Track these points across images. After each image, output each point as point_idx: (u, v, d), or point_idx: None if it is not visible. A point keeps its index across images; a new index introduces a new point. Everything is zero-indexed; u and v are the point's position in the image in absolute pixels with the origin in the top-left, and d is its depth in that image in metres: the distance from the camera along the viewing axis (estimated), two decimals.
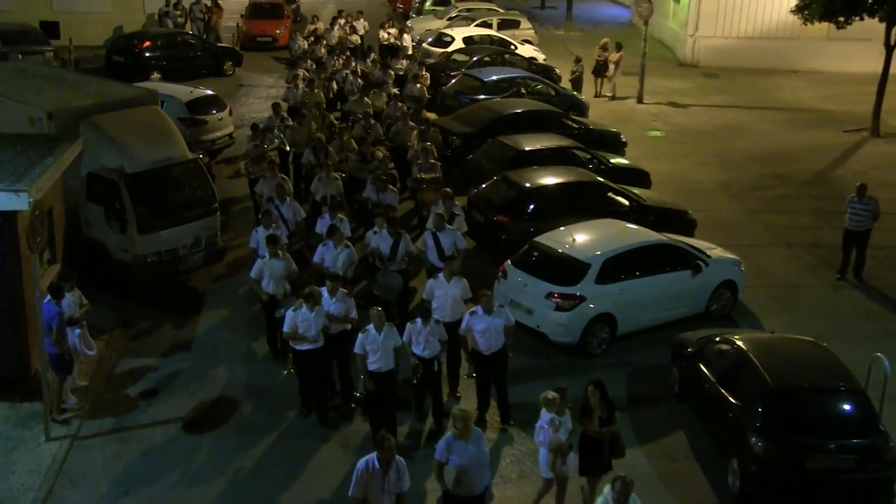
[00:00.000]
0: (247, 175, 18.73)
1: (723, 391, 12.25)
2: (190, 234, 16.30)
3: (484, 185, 18.71)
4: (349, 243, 14.62)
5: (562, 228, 15.90)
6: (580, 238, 15.41)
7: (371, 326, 11.92)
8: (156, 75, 26.87)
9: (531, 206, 17.66)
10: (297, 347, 12.56)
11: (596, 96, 30.59)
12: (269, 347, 14.50)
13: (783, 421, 11.36)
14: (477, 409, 12.71)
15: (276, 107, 21.15)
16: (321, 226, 15.44)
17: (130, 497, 11.31)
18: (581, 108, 26.44)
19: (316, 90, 23.20)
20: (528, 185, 17.94)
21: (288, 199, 16.01)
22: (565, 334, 14.51)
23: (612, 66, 30.74)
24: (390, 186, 17.00)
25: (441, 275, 13.42)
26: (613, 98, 30.87)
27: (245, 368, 14.21)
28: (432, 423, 12.77)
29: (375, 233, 15.04)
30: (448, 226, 15.12)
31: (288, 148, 19.75)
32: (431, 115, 24.49)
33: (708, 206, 21.14)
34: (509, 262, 15.48)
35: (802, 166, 24.72)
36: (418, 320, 12.35)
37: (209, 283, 16.84)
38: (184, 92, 22.92)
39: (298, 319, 12.33)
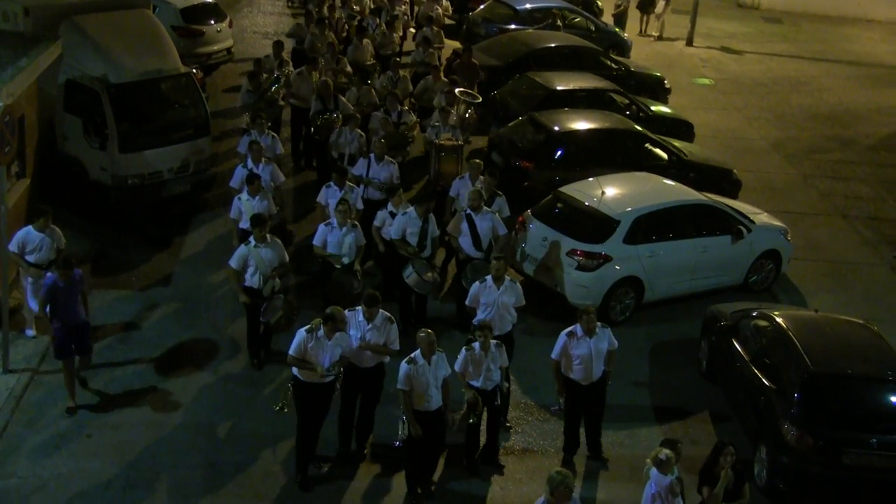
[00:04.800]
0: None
1: (756, 372, 12.19)
2: (177, 156, 16.24)
3: (508, 126, 18.55)
4: (357, 223, 13.36)
5: (591, 179, 15.79)
6: (610, 191, 15.26)
7: (417, 354, 10.58)
8: None
9: (559, 153, 17.50)
10: (301, 377, 10.84)
11: (640, 35, 30.37)
12: (250, 352, 13.04)
13: (821, 410, 11.30)
14: (563, 452, 11.87)
15: (277, 46, 19.45)
16: (326, 196, 14.26)
17: (93, 440, 11.39)
18: (622, 47, 26.24)
19: (328, 30, 21.10)
20: (556, 128, 17.76)
21: (263, 160, 14.69)
22: (586, 297, 14.41)
23: (660, 2, 30.45)
24: (387, 157, 15.27)
25: (489, 279, 12.21)
26: (660, 38, 30.62)
27: (229, 309, 14.16)
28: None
29: (393, 214, 13.83)
30: (486, 208, 13.93)
31: (282, 101, 18.13)
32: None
33: (757, 167, 20.99)
34: (529, 212, 15.39)
35: (869, 129, 24.47)
36: (476, 345, 11.01)
37: (195, 213, 16.76)
38: None
39: (311, 344, 10.65)
